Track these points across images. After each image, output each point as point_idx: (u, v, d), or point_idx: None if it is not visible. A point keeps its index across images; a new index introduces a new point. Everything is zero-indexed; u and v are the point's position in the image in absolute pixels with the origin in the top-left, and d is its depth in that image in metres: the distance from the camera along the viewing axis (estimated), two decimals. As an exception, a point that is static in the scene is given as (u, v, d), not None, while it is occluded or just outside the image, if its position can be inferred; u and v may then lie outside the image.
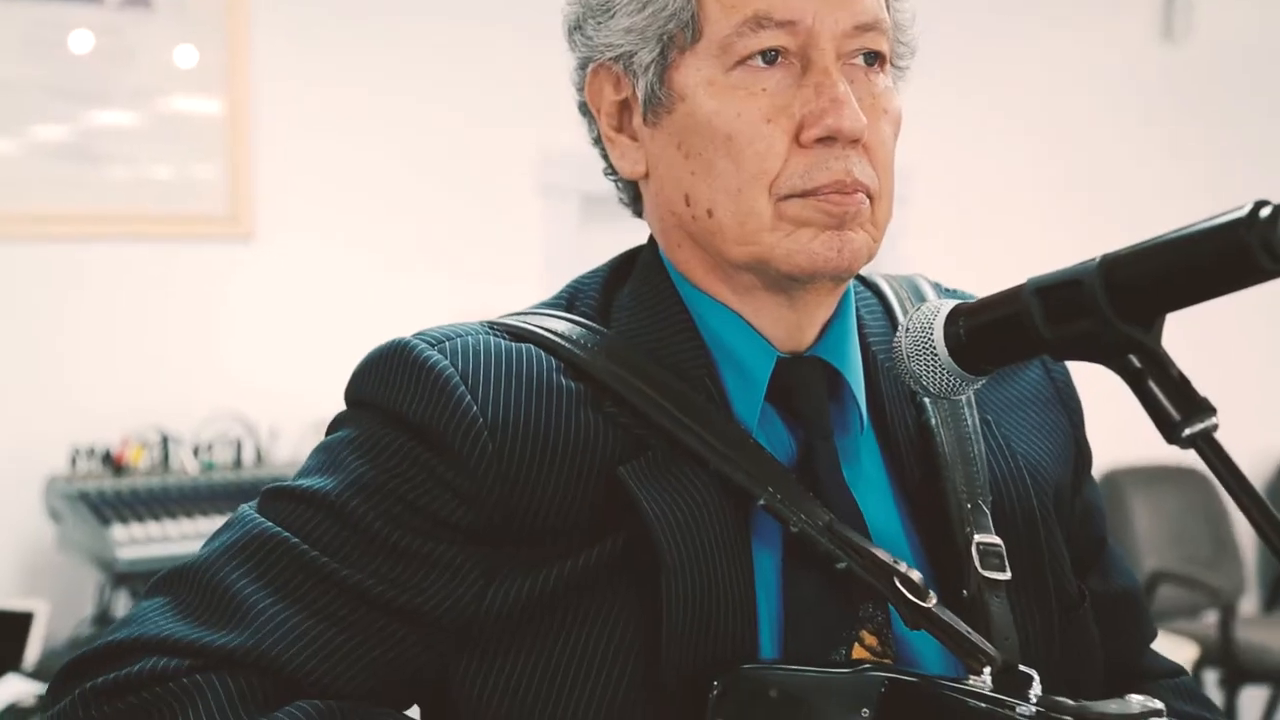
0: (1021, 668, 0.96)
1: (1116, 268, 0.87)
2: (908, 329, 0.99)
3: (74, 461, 3.18)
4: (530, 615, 0.99)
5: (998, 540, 1.06)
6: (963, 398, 1.13)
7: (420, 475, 1.01)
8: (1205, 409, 0.85)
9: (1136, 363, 0.87)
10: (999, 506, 1.09)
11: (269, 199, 3.44)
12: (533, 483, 1.00)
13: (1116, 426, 4.59)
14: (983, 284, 1.10)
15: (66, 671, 1.00)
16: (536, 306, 1.13)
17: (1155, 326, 0.88)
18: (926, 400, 1.11)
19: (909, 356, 0.99)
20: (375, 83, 3.55)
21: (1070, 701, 0.90)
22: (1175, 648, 4.09)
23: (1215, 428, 0.85)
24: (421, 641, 1.00)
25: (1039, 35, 4.56)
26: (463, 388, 1.01)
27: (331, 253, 3.56)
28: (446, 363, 1.02)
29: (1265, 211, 0.80)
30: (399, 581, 0.99)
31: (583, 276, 1.15)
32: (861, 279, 1.20)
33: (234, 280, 3.47)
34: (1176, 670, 1.26)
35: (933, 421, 1.10)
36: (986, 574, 1.04)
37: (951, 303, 0.99)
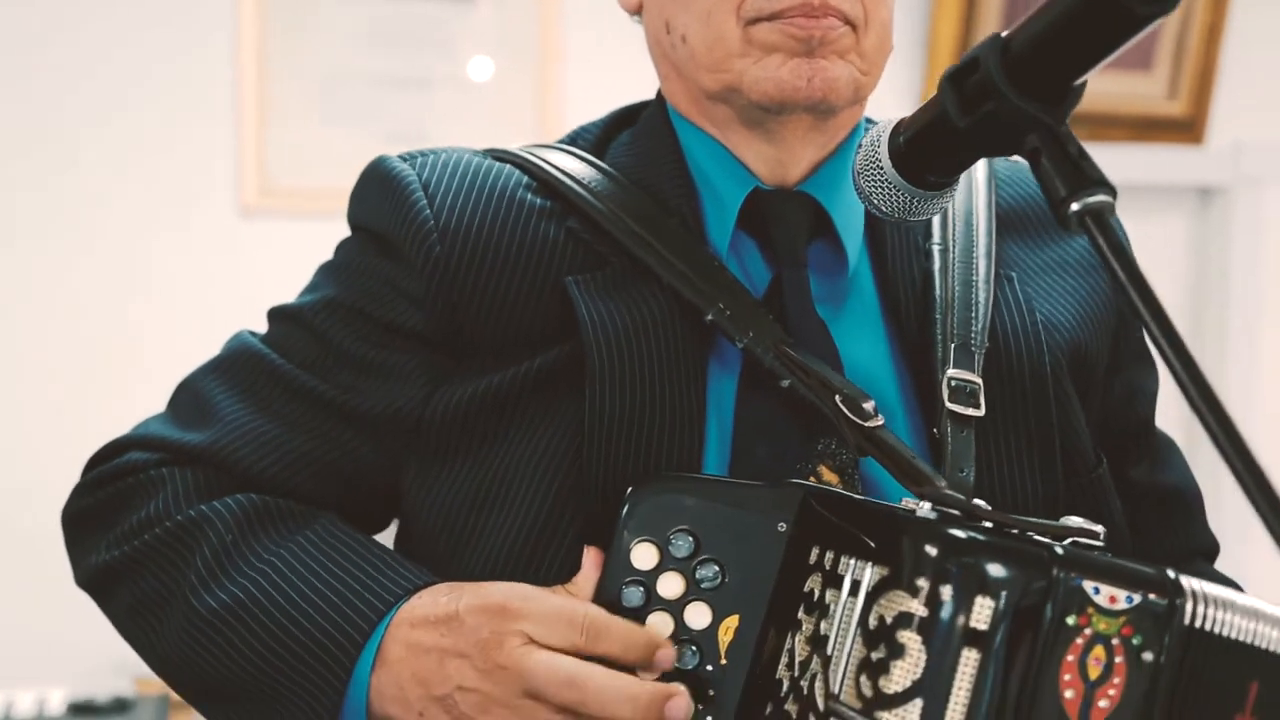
0: (977, 501, 0.89)
1: (1011, 40, 0.80)
2: (860, 145, 0.94)
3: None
4: (473, 421, 1.01)
5: (975, 379, 1.01)
6: (981, 244, 1.08)
7: (378, 286, 1.05)
8: (1099, 184, 0.76)
9: (1035, 142, 0.79)
10: (1002, 356, 1.03)
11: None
12: (480, 289, 1.02)
13: None
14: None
15: (88, 463, 1.12)
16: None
17: (1062, 103, 0.80)
18: (935, 248, 1.07)
19: (859, 174, 0.93)
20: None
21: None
22: None
23: (1108, 205, 0.75)
24: (372, 447, 1.05)
25: None
26: (419, 193, 1.04)
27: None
28: (413, 174, 1.06)
29: (1128, -55, 0.71)
30: (353, 388, 1.04)
31: (587, 124, 1.16)
32: None
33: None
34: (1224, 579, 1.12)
35: (937, 266, 1.06)
36: (953, 407, 0.99)
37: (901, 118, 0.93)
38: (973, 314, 1.04)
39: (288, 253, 3.08)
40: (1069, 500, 1.01)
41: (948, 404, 0.99)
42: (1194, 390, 0.68)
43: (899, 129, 0.90)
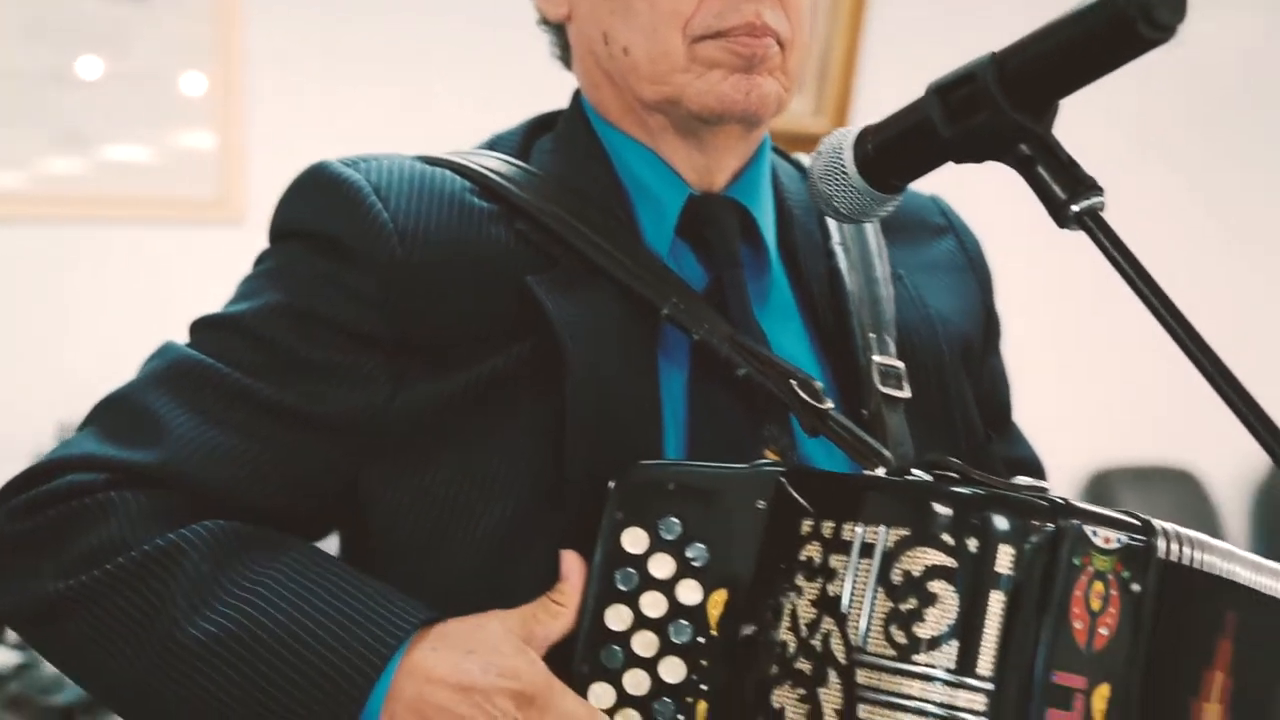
0: (915, 470, 0.99)
1: (1008, 57, 0.91)
2: (819, 152, 1.03)
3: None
4: (438, 422, 1.02)
5: (898, 362, 1.11)
6: (873, 246, 1.18)
7: (330, 290, 1.04)
8: (1092, 187, 0.88)
9: (1026, 150, 0.90)
10: (906, 345, 1.14)
11: (262, 182, 3.47)
12: (441, 290, 1.03)
13: (1107, 426, 4.52)
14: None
15: (7, 487, 1.04)
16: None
17: (1046, 116, 0.91)
18: (838, 248, 1.16)
19: (820, 179, 1.02)
20: (373, 58, 3.53)
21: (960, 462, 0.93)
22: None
23: (1101, 205, 0.88)
24: (333, 452, 1.04)
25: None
26: (374, 198, 1.05)
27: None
28: (361, 178, 1.06)
29: (1141, -22, 0.83)
30: (310, 393, 1.03)
31: (501, 131, 1.19)
32: (786, 156, 1.24)
33: (226, 265, 3.49)
34: None
35: (843, 266, 1.15)
36: (885, 390, 1.09)
37: (861, 127, 1.02)
38: (880, 307, 1.15)
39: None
40: None
41: (880, 386, 1.09)
42: (1210, 367, 0.81)
43: (865, 137, 1.00)
